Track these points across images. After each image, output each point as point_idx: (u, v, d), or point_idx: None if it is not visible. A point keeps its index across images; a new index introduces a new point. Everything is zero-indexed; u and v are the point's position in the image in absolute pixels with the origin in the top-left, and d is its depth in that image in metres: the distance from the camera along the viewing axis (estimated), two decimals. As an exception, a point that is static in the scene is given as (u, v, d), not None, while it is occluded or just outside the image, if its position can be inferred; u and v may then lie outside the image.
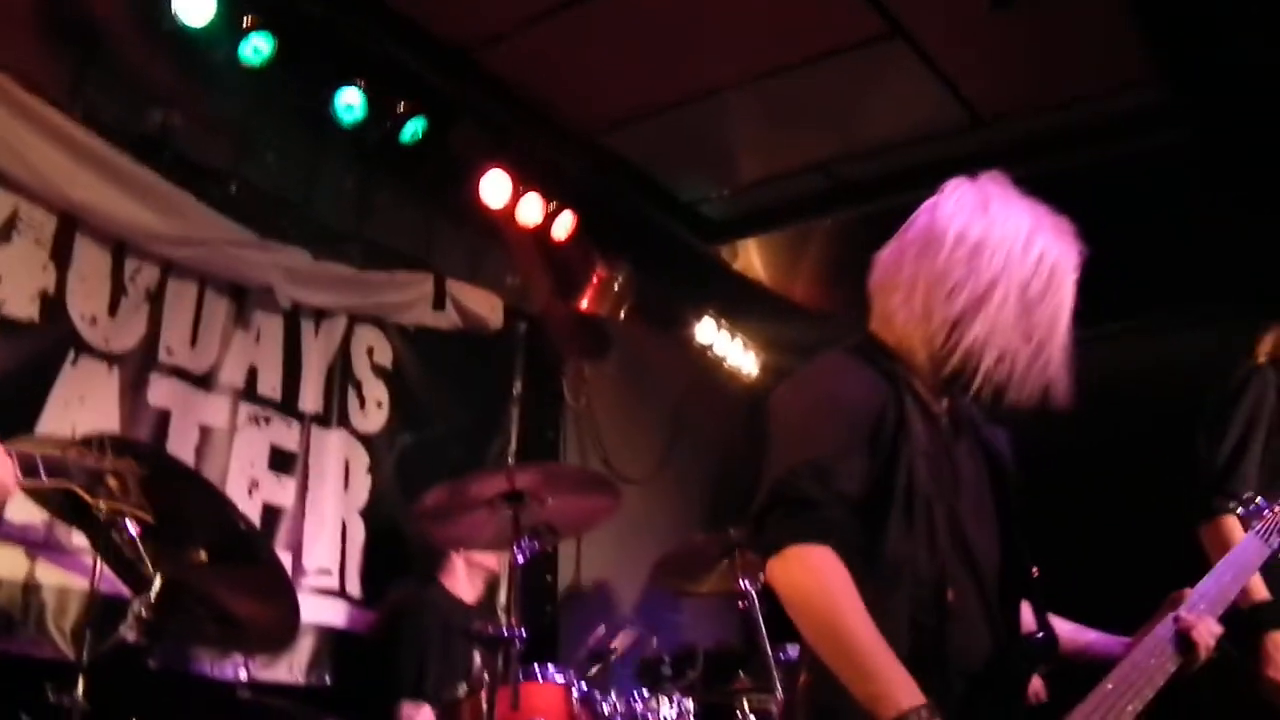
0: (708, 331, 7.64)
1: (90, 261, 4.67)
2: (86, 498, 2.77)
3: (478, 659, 4.97)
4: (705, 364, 7.74)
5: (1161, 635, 2.70)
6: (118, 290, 4.75)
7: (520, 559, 4.25)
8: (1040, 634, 2.49)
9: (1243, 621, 3.50)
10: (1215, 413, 4.02)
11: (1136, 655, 2.66)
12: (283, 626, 3.83)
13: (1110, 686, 2.57)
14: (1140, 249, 6.21)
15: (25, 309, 4.43)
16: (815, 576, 2.20)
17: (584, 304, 6.53)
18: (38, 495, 3.88)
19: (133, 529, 3.01)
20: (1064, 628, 2.70)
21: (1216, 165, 5.69)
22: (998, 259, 2.37)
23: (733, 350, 7.84)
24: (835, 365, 2.50)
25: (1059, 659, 2.57)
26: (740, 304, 7.77)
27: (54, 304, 4.53)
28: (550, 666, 4.39)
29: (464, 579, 5.25)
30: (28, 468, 2.53)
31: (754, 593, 4.86)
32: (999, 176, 2.52)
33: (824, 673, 2.21)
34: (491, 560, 5.33)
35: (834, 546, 2.20)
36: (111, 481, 2.81)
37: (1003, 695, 2.36)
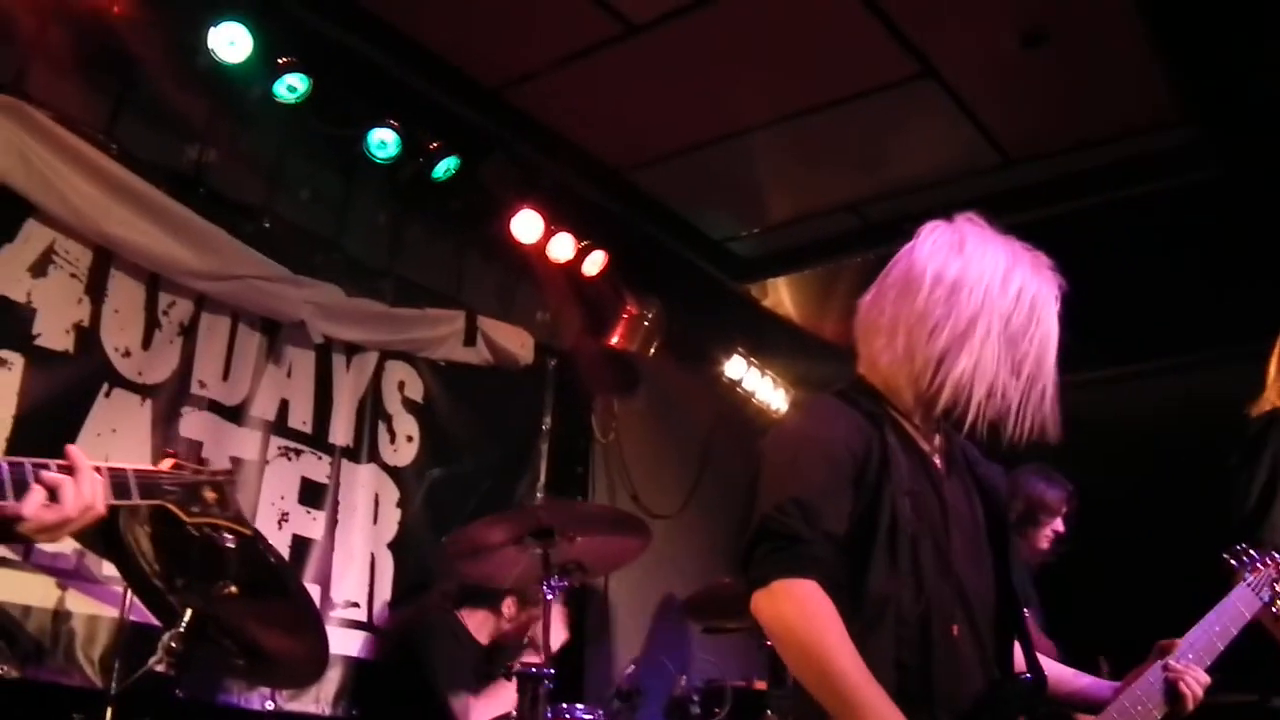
0: (737, 368, 7.64)
1: (125, 295, 4.73)
2: (182, 515, 2.69)
3: (483, 694, 4.97)
4: (734, 400, 7.73)
5: (1151, 683, 2.70)
6: (151, 323, 4.81)
7: (549, 596, 4.24)
8: (1029, 675, 2.48)
9: None
10: (1239, 464, 4.01)
11: (1124, 701, 2.66)
12: (312, 661, 3.84)
13: None
14: (1169, 287, 6.20)
15: (60, 341, 4.49)
16: (802, 609, 2.20)
17: (614, 340, 6.54)
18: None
19: (229, 542, 2.94)
20: (1054, 670, 2.68)
21: (1245, 204, 5.66)
22: (976, 296, 2.39)
23: (761, 387, 7.84)
24: (821, 408, 2.54)
25: (1048, 701, 2.56)
26: (769, 341, 7.78)
27: (88, 336, 4.59)
28: (579, 706, 4.38)
29: (477, 623, 5.23)
30: (119, 488, 2.40)
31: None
32: (976, 218, 2.56)
33: (811, 707, 2.20)
34: (507, 613, 5.28)
35: (820, 582, 2.21)
36: (209, 494, 2.67)
37: None
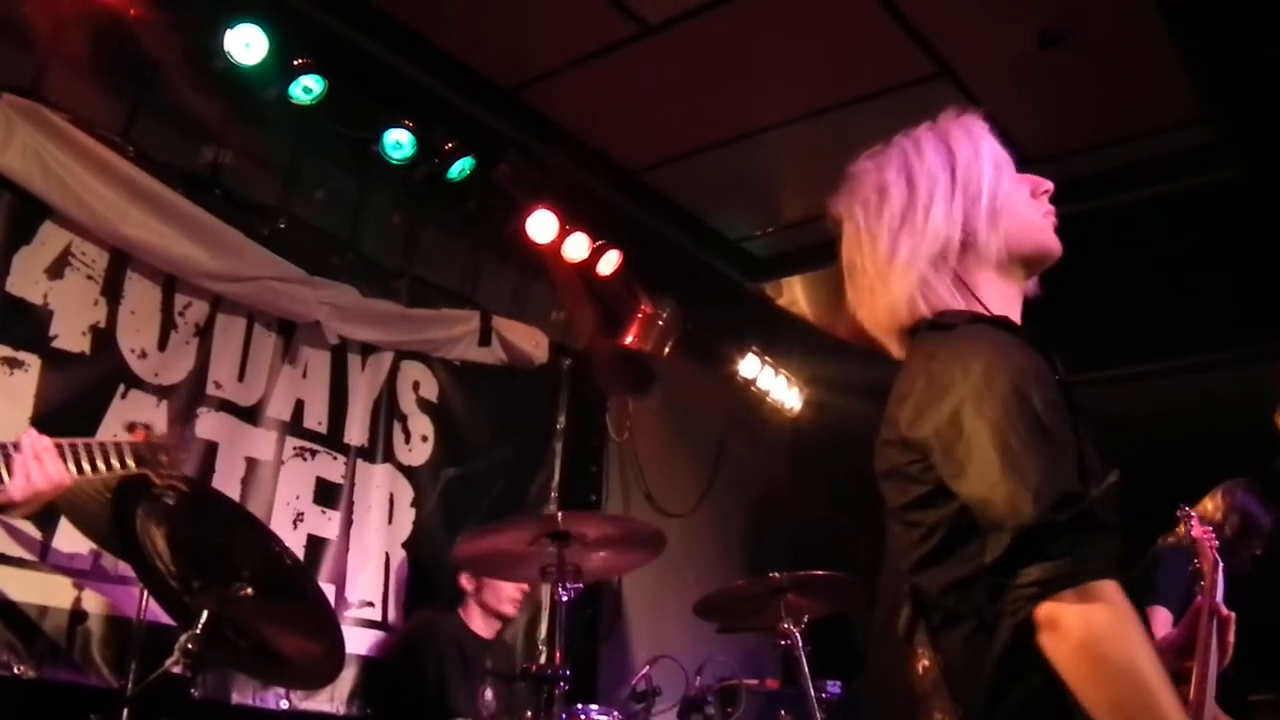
0: (751, 367, 7.64)
1: (141, 296, 4.74)
2: (154, 477, 2.96)
3: (488, 694, 4.99)
4: (748, 400, 7.73)
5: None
6: (167, 325, 4.82)
7: (564, 598, 4.24)
8: None
9: None
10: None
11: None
12: (328, 661, 3.83)
13: None
14: (1189, 287, 6.18)
15: (77, 342, 4.50)
16: (1132, 628, 1.75)
17: (628, 340, 6.53)
18: (81, 521, 3.96)
19: (170, 499, 3.21)
20: None
21: (1267, 204, 5.64)
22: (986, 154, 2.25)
23: (776, 386, 7.83)
24: (1002, 339, 2.01)
25: None
26: (783, 340, 7.78)
27: (104, 337, 4.60)
28: (594, 707, 4.38)
29: (479, 617, 5.26)
30: (80, 457, 2.77)
31: (797, 633, 4.82)
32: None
33: None
34: (509, 607, 5.30)
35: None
36: (163, 457, 3.00)
37: None
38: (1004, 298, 2.17)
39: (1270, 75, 5.00)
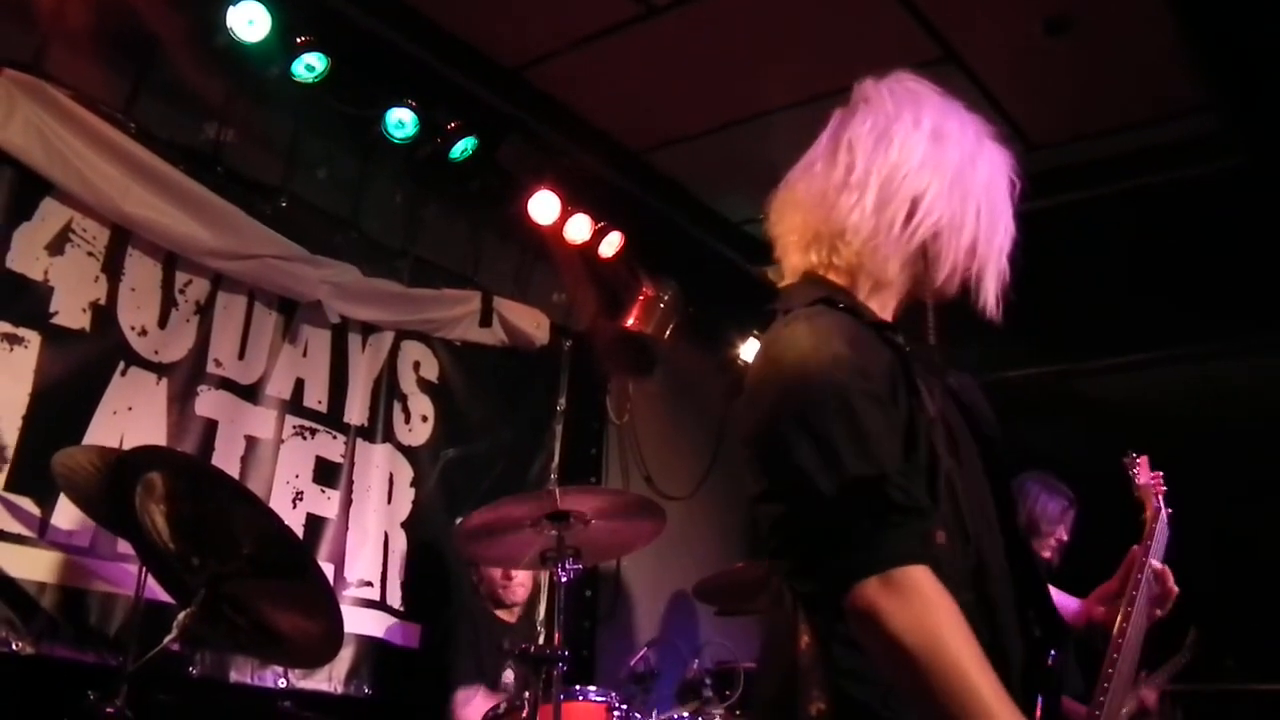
0: (753, 351, 7.61)
1: (141, 273, 4.74)
2: None
3: (508, 676, 5.00)
4: (749, 383, 7.71)
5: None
6: (168, 302, 4.81)
7: (563, 579, 4.24)
8: (1054, 631, 2.07)
9: None
10: None
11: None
12: (326, 640, 3.84)
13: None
14: (1190, 275, 6.17)
15: (77, 319, 4.50)
16: (937, 609, 1.71)
17: (630, 322, 6.51)
18: (80, 499, 3.97)
19: None
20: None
21: (1269, 192, 5.63)
22: (958, 145, 2.14)
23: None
24: (831, 327, 1.96)
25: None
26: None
27: (105, 314, 4.60)
28: (592, 689, 4.38)
29: (499, 598, 5.27)
30: None
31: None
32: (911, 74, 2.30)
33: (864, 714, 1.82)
34: (518, 591, 5.32)
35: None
36: None
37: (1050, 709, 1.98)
38: (879, 293, 2.14)
39: (1274, 63, 4.98)
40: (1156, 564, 2.97)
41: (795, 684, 1.90)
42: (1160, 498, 3.62)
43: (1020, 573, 2.04)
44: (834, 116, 2.29)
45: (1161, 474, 3.66)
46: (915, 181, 2.07)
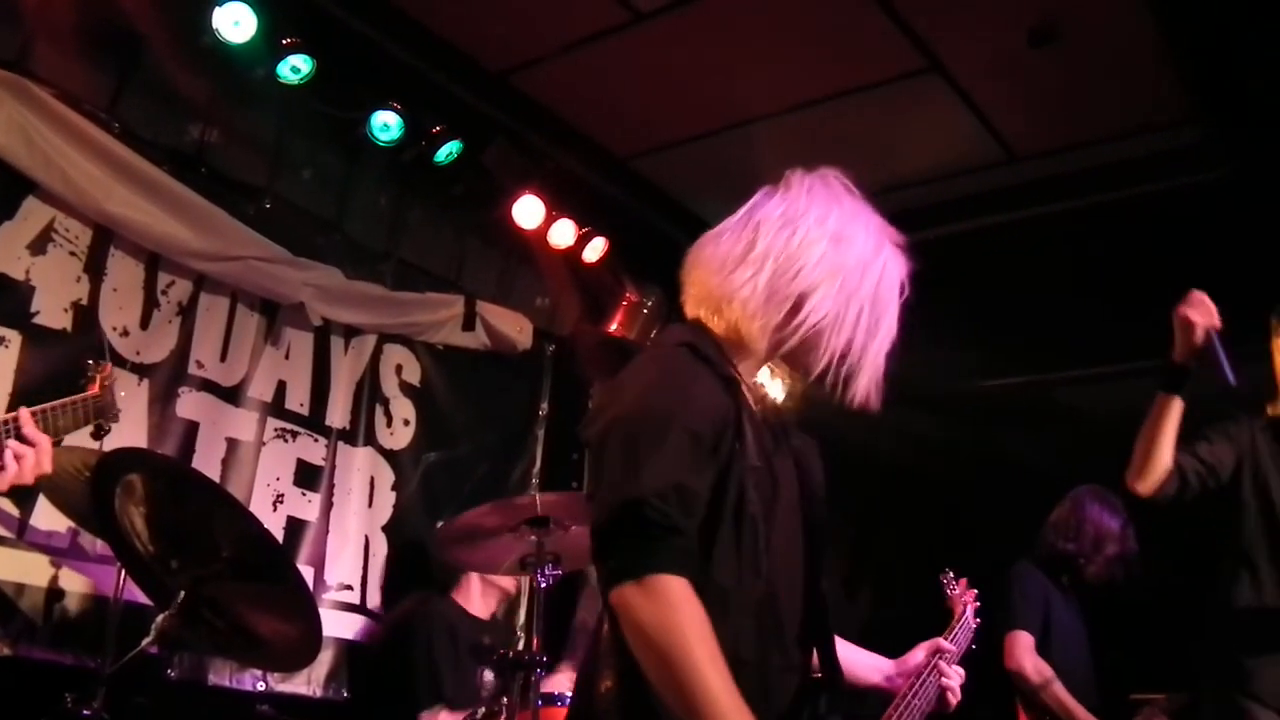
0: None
1: (123, 274, 4.72)
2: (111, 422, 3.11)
3: (488, 676, 4.96)
4: (732, 390, 7.71)
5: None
6: (150, 303, 4.80)
7: (543, 584, 4.23)
8: (829, 676, 2.36)
9: None
10: None
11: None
12: (305, 643, 3.84)
13: None
14: (1171, 286, 6.19)
15: (58, 319, 4.49)
16: (678, 612, 1.99)
17: (613, 327, 6.52)
18: (60, 500, 3.95)
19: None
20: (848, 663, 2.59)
21: (1253, 204, 5.65)
22: (854, 250, 2.33)
23: (759, 376, 7.82)
24: (677, 367, 2.24)
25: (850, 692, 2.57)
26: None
27: (86, 315, 4.58)
28: (569, 692, 4.37)
29: (478, 596, 5.23)
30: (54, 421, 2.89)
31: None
32: (839, 176, 2.46)
33: (647, 712, 2.06)
34: (509, 581, 5.31)
35: (690, 580, 2.03)
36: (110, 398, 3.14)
37: None
38: (745, 355, 2.41)
39: (1259, 76, 5.01)
40: (950, 646, 3.00)
41: (596, 664, 2.23)
42: (972, 609, 3.60)
43: (812, 618, 2.31)
44: (759, 192, 2.52)
45: (976, 591, 3.70)
46: (807, 279, 2.28)
